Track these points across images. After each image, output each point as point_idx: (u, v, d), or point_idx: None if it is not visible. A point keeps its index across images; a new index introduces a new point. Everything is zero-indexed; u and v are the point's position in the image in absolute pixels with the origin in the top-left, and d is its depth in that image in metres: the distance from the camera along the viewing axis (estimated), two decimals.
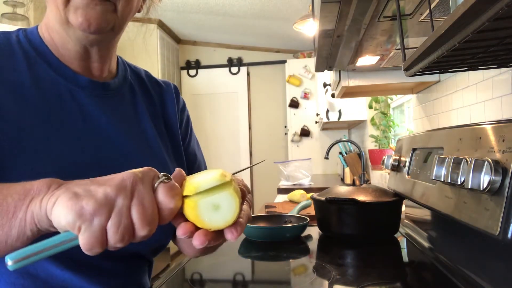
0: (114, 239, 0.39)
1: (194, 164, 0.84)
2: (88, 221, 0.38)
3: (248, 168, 0.67)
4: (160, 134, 0.75)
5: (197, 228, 0.45)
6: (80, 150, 0.61)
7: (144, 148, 0.70)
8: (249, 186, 3.50)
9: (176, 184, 0.44)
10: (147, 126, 0.73)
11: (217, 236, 0.45)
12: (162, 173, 0.44)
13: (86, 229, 0.38)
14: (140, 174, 0.42)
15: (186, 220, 0.45)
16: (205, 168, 0.88)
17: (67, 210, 0.38)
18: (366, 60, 1.34)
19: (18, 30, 0.66)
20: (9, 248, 0.41)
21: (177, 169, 0.47)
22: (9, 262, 0.38)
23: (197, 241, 0.44)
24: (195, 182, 0.45)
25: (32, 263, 0.39)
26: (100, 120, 0.66)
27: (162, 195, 0.42)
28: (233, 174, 0.51)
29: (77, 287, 0.59)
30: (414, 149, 1.02)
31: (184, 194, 0.45)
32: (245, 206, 0.49)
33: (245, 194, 0.50)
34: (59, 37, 0.63)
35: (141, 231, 0.40)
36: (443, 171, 0.68)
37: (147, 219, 0.40)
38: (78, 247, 0.39)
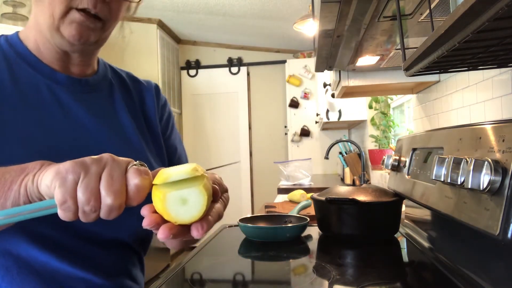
0: (82, 199, 0.43)
1: (174, 156, 0.87)
2: (63, 178, 0.43)
3: (220, 167, 0.69)
4: (138, 126, 0.78)
5: (164, 221, 0.46)
6: (58, 138, 0.65)
7: (120, 138, 0.74)
8: (249, 186, 3.53)
9: (148, 170, 0.47)
10: (124, 119, 0.76)
11: (183, 231, 0.46)
12: (139, 161, 0.47)
13: (61, 184, 0.43)
14: (117, 157, 0.46)
15: (155, 212, 0.46)
16: (186, 162, 0.90)
17: (48, 173, 0.45)
18: (366, 60, 1.34)
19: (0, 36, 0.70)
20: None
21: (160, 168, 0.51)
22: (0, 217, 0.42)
23: (161, 234, 0.45)
24: (166, 172, 0.46)
25: (15, 222, 0.45)
26: (77, 113, 0.69)
27: (131, 174, 0.45)
28: (207, 170, 0.51)
29: (58, 269, 0.59)
30: (414, 149, 1.02)
31: (154, 182, 0.46)
32: (217, 205, 0.50)
33: (217, 193, 0.51)
34: (43, 39, 0.67)
35: (107, 199, 0.43)
36: (443, 171, 0.68)
37: (113, 189, 0.44)
38: (58, 229, 0.45)
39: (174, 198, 0.45)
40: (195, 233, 0.46)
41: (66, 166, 0.44)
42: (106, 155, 0.46)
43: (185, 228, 0.46)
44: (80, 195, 0.43)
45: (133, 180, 0.45)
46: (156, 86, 0.88)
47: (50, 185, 0.44)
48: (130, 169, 0.46)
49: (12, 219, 0.44)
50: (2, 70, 0.65)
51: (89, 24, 0.64)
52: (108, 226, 0.50)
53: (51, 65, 0.69)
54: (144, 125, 0.80)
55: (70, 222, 0.45)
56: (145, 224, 0.46)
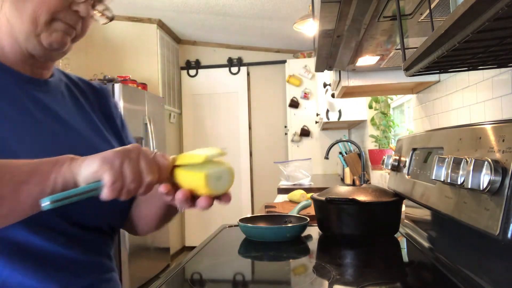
0: (129, 178, 0.53)
1: None
2: (111, 163, 0.52)
3: None
4: (102, 123, 0.83)
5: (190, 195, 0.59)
6: (50, 136, 0.70)
7: (95, 133, 0.79)
8: (249, 186, 3.54)
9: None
10: (89, 117, 0.81)
11: (213, 201, 0.60)
12: (156, 150, 0.58)
13: (110, 168, 0.52)
14: (144, 147, 0.57)
15: (176, 189, 0.59)
16: None
17: (93, 161, 0.53)
18: (366, 60, 1.34)
19: None
20: (37, 202, 0.51)
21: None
22: (47, 202, 0.50)
23: (205, 203, 0.59)
24: (201, 153, 0.58)
25: (63, 205, 0.51)
26: (54, 109, 0.73)
27: (159, 158, 0.57)
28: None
29: (51, 251, 0.64)
30: (414, 149, 1.02)
31: (189, 162, 0.59)
32: None
33: None
34: (11, 41, 0.68)
35: (147, 177, 0.54)
36: (443, 171, 0.68)
37: (151, 169, 0.55)
38: (56, 217, 0.56)
39: (214, 176, 0.58)
40: (225, 200, 0.61)
41: (110, 154, 0.53)
42: (136, 145, 0.56)
43: (213, 199, 0.60)
44: (127, 175, 0.53)
45: (163, 162, 0.57)
46: (107, 89, 0.92)
47: (98, 170, 0.52)
48: (155, 155, 0.57)
49: (60, 203, 0.51)
50: None
51: (70, 34, 0.69)
52: (93, 215, 0.64)
53: (14, 67, 0.70)
54: (105, 122, 0.85)
55: (66, 212, 0.54)
56: (180, 196, 0.58)
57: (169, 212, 0.78)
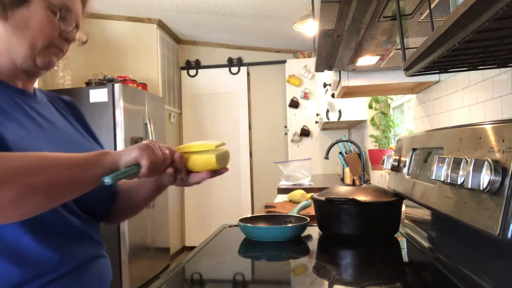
0: (158, 159, 0.73)
1: None
2: (146, 150, 0.72)
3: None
4: (80, 128, 0.95)
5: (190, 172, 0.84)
6: (58, 138, 0.82)
7: (81, 135, 0.92)
8: (249, 186, 3.57)
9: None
10: (71, 123, 0.93)
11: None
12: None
13: (147, 154, 0.72)
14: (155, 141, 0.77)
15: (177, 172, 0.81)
16: None
17: (133, 151, 0.72)
18: (366, 60, 1.34)
19: None
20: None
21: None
22: (109, 179, 0.66)
23: (208, 175, 0.84)
24: (207, 143, 0.83)
25: (118, 180, 0.70)
26: (48, 117, 0.83)
27: (166, 147, 0.78)
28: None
29: (50, 220, 0.73)
30: (414, 149, 1.02)
31: (203, 149, 0.82)
32: None
33: None
34: (8, 60, 0.76)
35: (167, 159, 0.77)
36: (443, 171, 0.68)
37: (167, 154, 0.77)
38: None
39: (219, 156, 0.82)
40: (225, 171, 0.89)
41: (142, 146, 0.73)
42: (151, 140, 0.76)
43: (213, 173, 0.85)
44: (157, 158, 0.73)
45: (170, 149, 0.79)
46: (73, 102, 1.02)
47: (138, 156, 0.71)
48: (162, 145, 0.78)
49: (116, 179, 0.68)
50: None
51: (59, 55, 0.81)
52: (84, 201, 0.76)
53: (8, 82, 0.79)
54: (82, 129, 0.96)
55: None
56: (206, 176, 0.83)
57: (153, 196, 0.93)
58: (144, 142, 0.74)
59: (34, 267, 0.68)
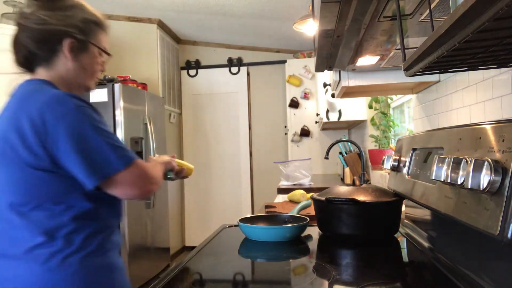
0: (177, 169, 1.24)
1: None
2: (172, 164, 1.22)
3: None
4: None
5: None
6: None
7: None
8: (249, 186, 3.63)
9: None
10: None
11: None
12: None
13: (173, 166, 1.22)
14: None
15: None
16: None
17: (167, 164, 1.20)
18: (366, 60, 1.34)
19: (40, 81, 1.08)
20: (159, 182, 1.07)
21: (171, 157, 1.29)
22: (172, 175, 1.23)
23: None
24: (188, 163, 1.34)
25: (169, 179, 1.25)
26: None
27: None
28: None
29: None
30: (414, 149, 1.02)
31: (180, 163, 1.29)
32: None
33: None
34: (77, 84, 1.12)
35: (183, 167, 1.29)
36: (443, 171, 0.68)
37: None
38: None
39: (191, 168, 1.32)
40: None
41: (173, 162, 1.23)
42: (171, 158, 1.24)
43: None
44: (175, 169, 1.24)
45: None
46: None
47: (171, 167, 1.22)
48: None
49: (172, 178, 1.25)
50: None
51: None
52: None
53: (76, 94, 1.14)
54: None
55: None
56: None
57: None
58: (168, 159, 1.22)
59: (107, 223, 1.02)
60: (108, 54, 1.21)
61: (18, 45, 1.06)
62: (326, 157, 1.88)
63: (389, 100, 2.74)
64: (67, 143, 0.90)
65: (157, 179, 1.05)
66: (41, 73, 1.07)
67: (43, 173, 0.91)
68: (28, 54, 1.05)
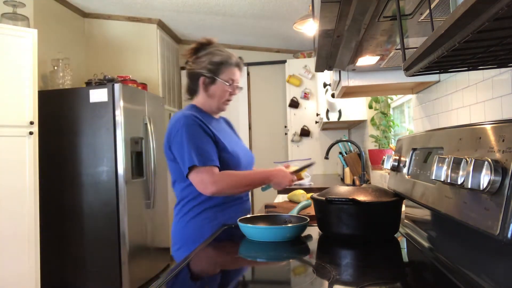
0: (285, 183, 1.58)
1: None
2: (286, 180, 1.58)
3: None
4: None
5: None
6: (242, 149, 1.68)
7: (241, 141, 1.88)
8: None
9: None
10: (236, 134, 1.88)
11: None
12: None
13: (277, 180, 1.57)
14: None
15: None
16: None
17: (283, 178, 1.56)
18: (366, 60, 1.34)
19: (190, 108, 1.62)
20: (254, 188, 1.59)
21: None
22: (269, 189, 1.64)
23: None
24: (298, 164, 1.72)
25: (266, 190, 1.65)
26: (230, 132, 1.76)
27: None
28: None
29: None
30: (414, 149, 1.02)
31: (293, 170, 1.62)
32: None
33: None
34: (209, 108, 1.63)
35: (293, 180, 1.60)
36: (443, 171, 0.68)
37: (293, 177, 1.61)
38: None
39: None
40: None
41: (283, 174, 1.57)
42: (280, 169, 1.61)
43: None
44: (290, 183, 1.60)
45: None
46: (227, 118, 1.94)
47: (271, 181, 1.57)
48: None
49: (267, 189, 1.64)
50: (204, 118, 1.56)
51: (228, 103, 1.66)
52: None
53: (211, 115, 1.65)
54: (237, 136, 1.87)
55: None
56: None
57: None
58: (277, 172, 1.55)
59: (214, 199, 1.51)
60: (230, 84, 1.59)
61: (187, 80, 1.65)
62: (326, 157, 1.88)
63: (389, 100, 2.74)
64: (175, 145, 1.46)
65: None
66: (195, 99, 1.65)
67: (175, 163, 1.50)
68: (188, 87, 1.66)
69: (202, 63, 1.59)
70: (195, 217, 1.49)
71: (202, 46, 1.68)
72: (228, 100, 1.63)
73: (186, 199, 1.51)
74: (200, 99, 1.62)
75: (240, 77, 1.65)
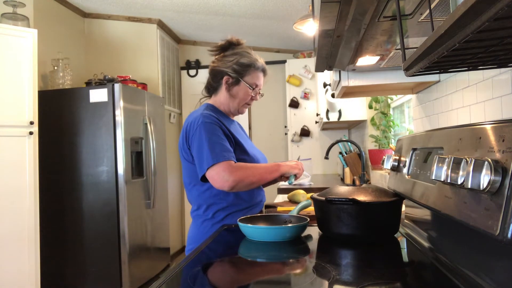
0: (301, 172, 1.58)
1: None
2: (297, 168, 1.56)
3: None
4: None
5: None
6: (255, 151, 1.65)
7: (252, 143, 1.83)
8: None
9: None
10: (246, 135, 1.83)
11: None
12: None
13: (298, 171, 1.56)
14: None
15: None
16: None
17: (293, 168, 1.55)
18: (366, 60, 1.34)
19: (205, 107, 1.59)
20: (270, 181, 1.54)
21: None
22: (291, 181, 1.56)
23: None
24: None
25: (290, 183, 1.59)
26: (244, 134, 1.77)
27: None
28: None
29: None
30: (414, 149, 1.02)
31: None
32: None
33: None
34: (227, 109, 1.62)
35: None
36: (443, 171, 0.68)
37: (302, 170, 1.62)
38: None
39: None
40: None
41: (295, 166, 1.56)
42: (297, 162, 1.61)
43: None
44: (300, 172, 1.57)
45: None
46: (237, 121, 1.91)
47: (296, 172, 1.55)
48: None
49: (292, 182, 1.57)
50: (221, 118, 1.55)
51: (248, 107, 1.67)
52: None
53: (229, 116, 1.66)
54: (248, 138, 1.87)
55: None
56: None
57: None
58: (294, 163, 1.54)
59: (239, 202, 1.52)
60: (253, 88, 1.60)
61: (208, 77, 1.62)
62: (326, 157, 1.88)
63: (389, 100, 2.74)
64: (194, 144, 1.44)
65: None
66: (213, 98, 1.63)
67: (191, 164, 1.48)
68: (208, 85, 1.63)
69: (228, 62, 1.57)
70: (220, 221, 1.48)
71: (230, 45, 1.64)
72: (248, 104, 1.61)
73: (208, 203, 1.48)
74: (220, 98, 1.60)
75: (264, 83, 1.66)
